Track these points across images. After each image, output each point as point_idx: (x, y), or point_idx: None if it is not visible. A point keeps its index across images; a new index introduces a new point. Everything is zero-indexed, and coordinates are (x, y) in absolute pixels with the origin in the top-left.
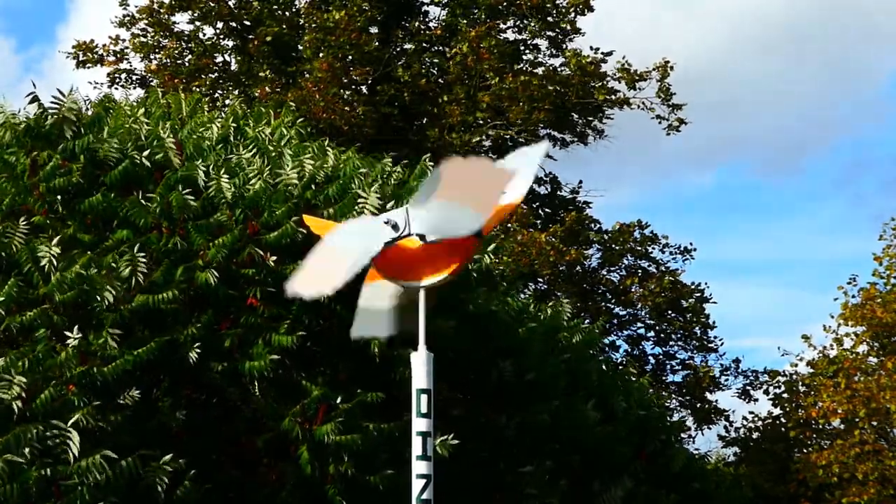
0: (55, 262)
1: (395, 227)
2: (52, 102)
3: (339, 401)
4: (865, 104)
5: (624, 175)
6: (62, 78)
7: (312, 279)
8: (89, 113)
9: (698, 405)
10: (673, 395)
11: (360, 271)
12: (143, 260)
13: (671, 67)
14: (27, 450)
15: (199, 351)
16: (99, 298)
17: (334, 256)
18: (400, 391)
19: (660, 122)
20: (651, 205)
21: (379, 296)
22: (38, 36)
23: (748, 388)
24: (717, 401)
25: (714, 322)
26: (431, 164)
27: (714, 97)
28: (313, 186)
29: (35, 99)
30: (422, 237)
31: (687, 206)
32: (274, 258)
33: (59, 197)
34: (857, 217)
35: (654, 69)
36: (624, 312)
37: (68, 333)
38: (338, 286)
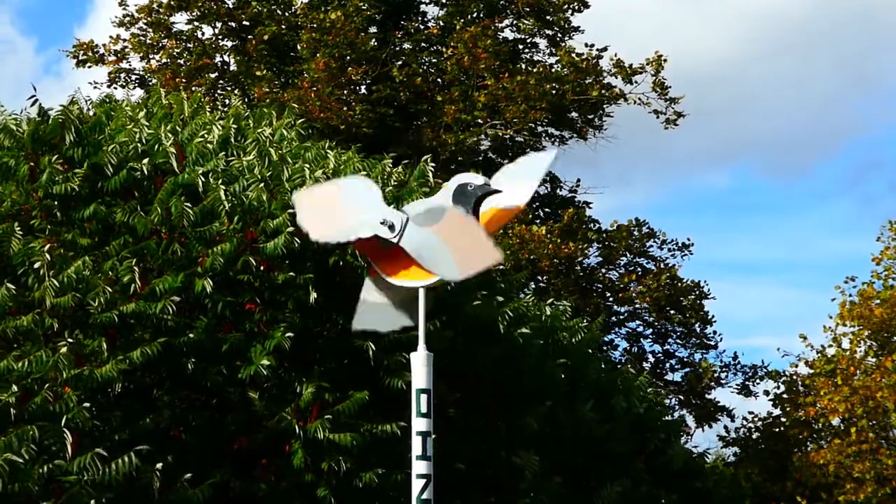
0: (50, 266)
1: (391, 227)
2: (53, 110)
3: (331, 400)
4: (878, 105)
5: (635, 176)
6: (77, 79)
7: (314, 217)
8: (91, 113)
9: (697, 402)
10: (672, 394)
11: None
12: (137, 268)
13: (664, 61)
14: (24, 449)
15: (194, 361)
16: (93, 302)
17: (339, 209)
18: (394, 393)
19: (657, 117)
20: (662, 205)
21: (381, 290)
22: (58, 37)
23: (747, 382)
24: (717, 399)
25: (713, 316)
26: (432, 165)
27: (726, 97)
28: None
29: (36, 102)
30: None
31: (698, 206)
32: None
33: (57, 203)
34: (866, 217)
35: (647, 63)
36: (623, 310)
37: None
38: (328, 240)
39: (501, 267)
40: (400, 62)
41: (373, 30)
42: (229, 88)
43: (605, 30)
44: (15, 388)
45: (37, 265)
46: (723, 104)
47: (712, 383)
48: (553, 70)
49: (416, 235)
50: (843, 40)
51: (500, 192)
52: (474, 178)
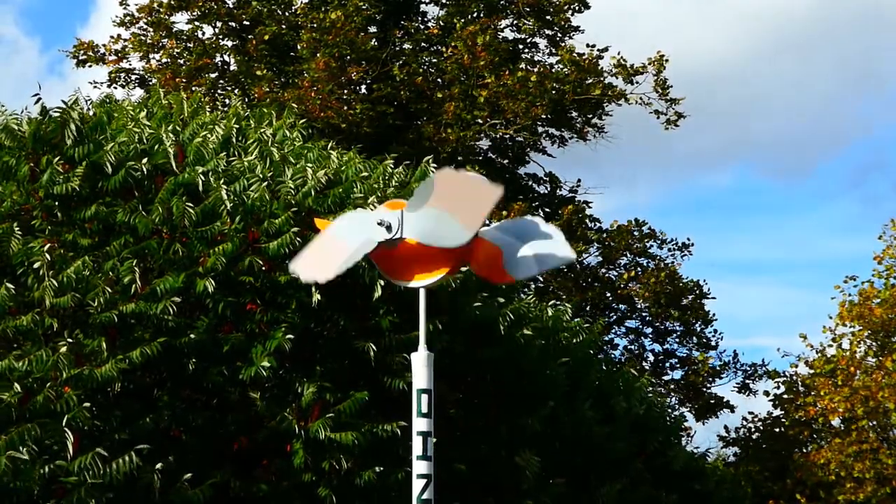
0: (50, 266)
1: (388, 227)
2: (55, 109)
3: (332, 400)
4: (880, 105)
5: (637, 176)
6: (81, 79)
7: (312, 264)
8: (91, 114)
9: (695, 403)
10: (672, 392)
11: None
12: (138, 268)
13: (666, 61)
14: (25, 449)
15: (195, 361)
16: (93, 302)
17: (335, 247)
18: (395, 393)
19: (658, 117)
20: (664, 205)
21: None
22: (61, 37)
23: (747, 381)
24: (717, 394)
25: (714, 315)
26: (433, 165)
27: (728, 97)
28: (314, 193)
29: (39, 101)
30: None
31: (700, 206)
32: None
33: (57, 203)
34: (868, 218)
35: (649, 63)
36: (622, 307)
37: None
38: (330, 277)
39: None
40: (400, 62)
41: (373, 29)
42: (229, 88)
43: (605, 30)
44: (17, 387)
45: (36, 265)
46: (724, 104)
47: (710, 378)
48: (553, 70)
49: (415, 220)
50: (844, 40)
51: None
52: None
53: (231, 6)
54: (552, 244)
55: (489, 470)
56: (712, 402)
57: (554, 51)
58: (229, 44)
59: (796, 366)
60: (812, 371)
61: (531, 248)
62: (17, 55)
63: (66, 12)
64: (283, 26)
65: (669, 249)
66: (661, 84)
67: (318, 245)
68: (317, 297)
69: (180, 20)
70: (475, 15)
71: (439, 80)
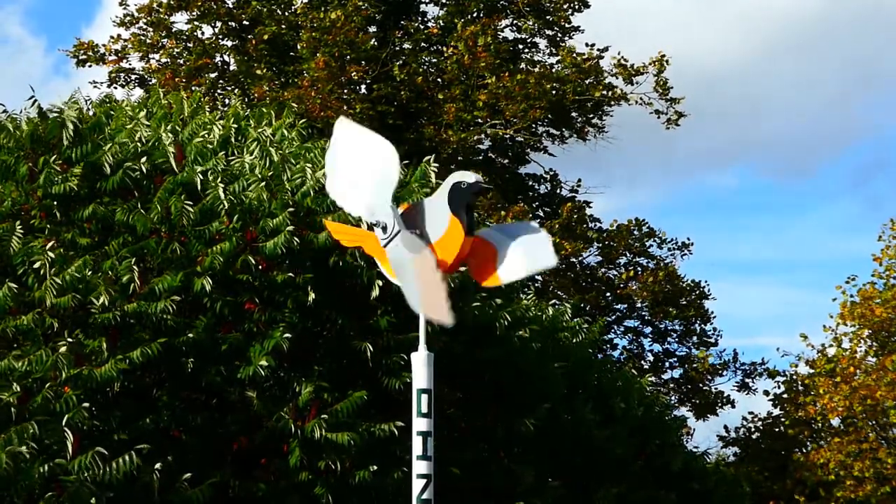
0: (50, 266)
1: (384, 229)
2: (51, 109)
3: (329, 400)
4: (883, 105)
5: (640, 176)
6: (85, 79)
7: (346, 184)
8: (91, 113)
9: (695, 400)
10: (672, 391)
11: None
12: (137, 268)
13: (667, 61)
14: (24, 448)
15: (193, 361)
16: (95, 301)
17: (361, 175)
18: (395, 393)
19: (658, 117)
20: (667, 205)
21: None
22: (66, 37)
23: (746, 379)
24: (717, 389)
25: (713, 312)
26: (434, 166)
27: (730, 97)
28: (312, 193)
29: (35, 102)
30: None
31: (702, 206)
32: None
33: (56, 202)
34: (870, 218)
35: (650, 63)
36: (622, 307)
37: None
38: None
39: None
40: (400, 62)
41: (373, 29)
42: (229, 88)
43: (605, 30)
44: (16, 386)
45: (37, 265)
46: (727, 104)
47: (709, 375)
48: (554, 70)
49: (398, 252)
50: (845, 40)
51: (491, 188)
52: (467, 177)
53: (231, 6)
54: (539, 249)
55: (487, 471)
56: (713, 398)
57: (554, 51)
58: (229, 44)
59: (796, 365)
60: (812, 370)
61: (519, 251)
62: (22, 55)
63: (71, 12)
64: (283, 26)
65: (669, 249)
66: (661, 84)
67: (352, 152)
68: (312, 296)
69: (180, 20)
70: (475, 15)
71: (439, 80)
